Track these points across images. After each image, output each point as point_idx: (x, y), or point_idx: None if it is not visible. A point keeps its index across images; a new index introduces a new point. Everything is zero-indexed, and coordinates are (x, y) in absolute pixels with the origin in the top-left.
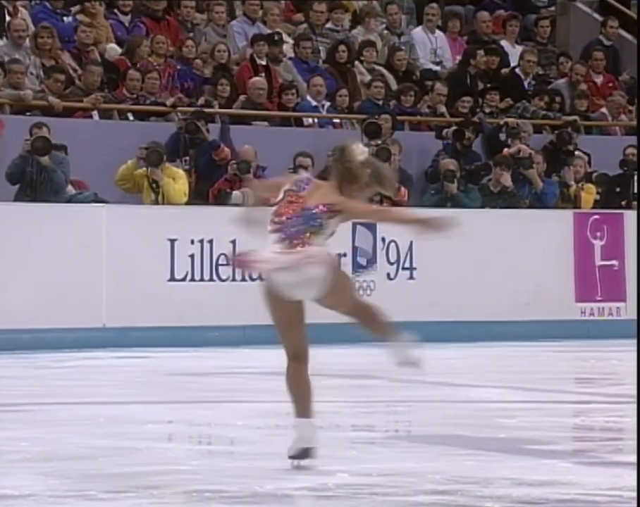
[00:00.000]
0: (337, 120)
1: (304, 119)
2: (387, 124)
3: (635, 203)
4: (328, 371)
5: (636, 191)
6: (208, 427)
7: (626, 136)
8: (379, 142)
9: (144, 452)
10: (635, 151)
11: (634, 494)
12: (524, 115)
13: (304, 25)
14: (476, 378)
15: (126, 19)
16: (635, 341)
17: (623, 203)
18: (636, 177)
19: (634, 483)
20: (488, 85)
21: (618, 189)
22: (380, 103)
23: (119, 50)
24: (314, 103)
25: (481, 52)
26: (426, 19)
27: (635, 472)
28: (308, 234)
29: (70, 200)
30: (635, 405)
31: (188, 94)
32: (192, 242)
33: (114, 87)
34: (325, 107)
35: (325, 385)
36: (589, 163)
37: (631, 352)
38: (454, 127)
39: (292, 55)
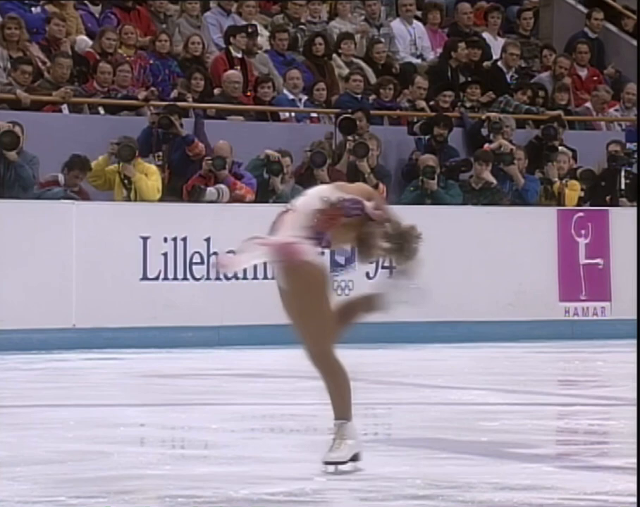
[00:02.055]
0: (314, 115)
1: (281, 113)
2: (362, 122)
3: (623, 199)
4: (305, 373)
5: (623, 187)
6: (182, 431)
7: (610, 132)
8: (356, 137)
9: (115, 456)
10: (619, 148)
11: (619, 499)
12: (506, 109)
13: (281, 16)
14: (458, 380)
15: (96, 10)
16: (620, 342)
17: (607, 198)
18: (623, 173)
19: (619, 487)
20: (470, 79)
21: (603, 183)
22: (359, 97)
23: (89, 42)
24: (291, 97)
25: (462, 44)
26: (403, 10)
27: (623, 476)
28: None
29: (39, 196)
30: (627, 407)
31: (161, 86)
32: (165, 240)
33: (84, 80)
34: (303, 101)
35: (302, 387)
36: (575, 158)
37: (616, 353)
38: (421, 122)
39: (268, 47)
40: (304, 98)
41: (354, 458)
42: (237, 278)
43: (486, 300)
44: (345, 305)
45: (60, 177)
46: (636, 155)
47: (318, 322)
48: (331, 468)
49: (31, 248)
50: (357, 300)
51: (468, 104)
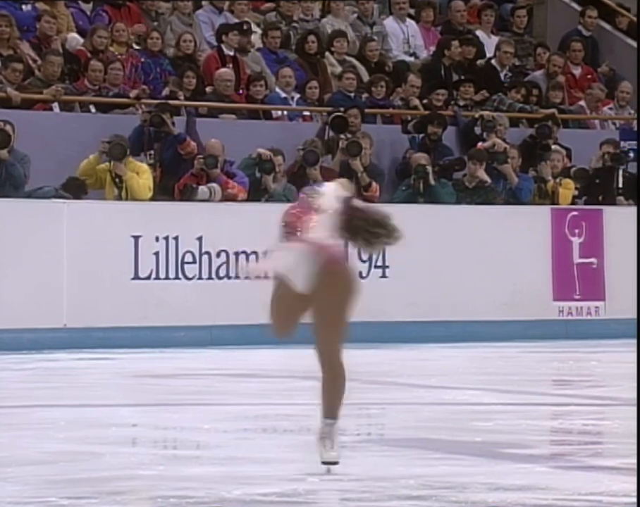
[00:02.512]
0: (307, 113)
1: (273, 112)
2: (357, 120)
3: (620, 197)
4: (299, 373)
5: (621, 185)
6: (174, 431)
7: (604, 130)
8: (349, 136)
9: (107, 457)
10: (611, 149)
11: (614, 499)
12: (500, 107)
13: (273, 14)
14: (452, 380)
15: (88, 7)
16: (614, 341)
17: (600, 197)
18: (621, 172)
19: (614, 488)
20: (463, 77)
21: (597, 181)
22: (352, 95)
23: (80, 40)
24: (283, 95)
25: (455, 43)
26: (396, 8)
27: (617, 476)
28: None
29: (30, 195)
30: (622, 407)
31: (152, 85)
32: (157, 239)
33: (75, 78)
34: (295, 99)
35: (296, 387)
36: (569, 157)
37: (610, 353)
38: (415, 120)
39: (260, 45)
40: (297, 96)
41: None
42: (229, 277)
43: (480, 299)
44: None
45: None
46: (631, 154)
47: (346, 327)
48: (328, 468)
49: (22, 248)
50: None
51: (461, 103)
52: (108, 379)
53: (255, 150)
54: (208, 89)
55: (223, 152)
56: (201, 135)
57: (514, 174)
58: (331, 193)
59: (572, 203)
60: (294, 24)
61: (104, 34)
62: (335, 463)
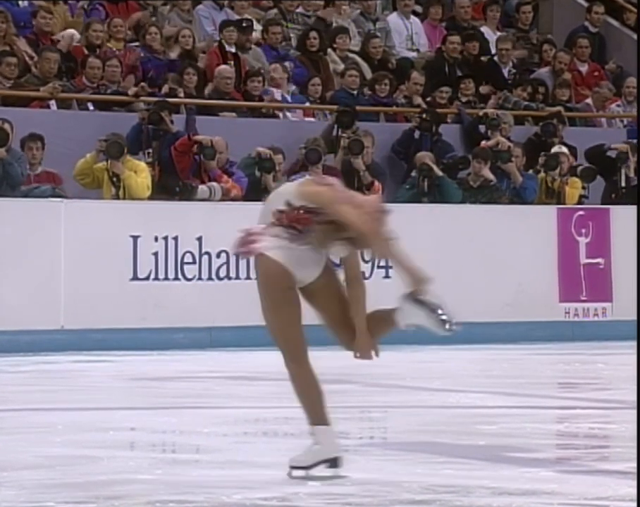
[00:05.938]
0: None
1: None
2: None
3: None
4: None
5: (624, 184)
6: (173, 435)
7: (612, 129)
8: (351, 135)
9: (104, 461)
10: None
11: (621, 504)
12: (504, 105)
13: (274, 10)
14: (455, 382)
15: (84, 3)
16: (621, 343)
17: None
18: (624, 171)
19: (621, 492)
20: (467, 74)
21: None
22: (355, 93)
23: (78, 36)
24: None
25: (459, 39)
26: (401, 4)
27: (624, 480)
28: None
29: (27, 194)
30: (629, 410)
31: (151, 82)
32: (156, 239)
33: (73, 75)
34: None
35: None
36: (575, 156)
37: (617, 355)
38: (423, 118)
39: (261, 41)
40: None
41: (333, 464)
42: (229, 278)
43: (484, 300)
44: (370, 317)
45: None
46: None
47: (275, 322)
48: (293, 472)
49: (19, 248)
50: (381, 314)
51: (465, 100)
52: (106, 381)
53: (255, 149)
54: (208, 86)
55: (227, 150)
56: (200, 133)
57: (519, 174)
58: (282, 193)
59: (579, 203)
60: (294, 25)
61: (99, 28)
62: (294, 467)
